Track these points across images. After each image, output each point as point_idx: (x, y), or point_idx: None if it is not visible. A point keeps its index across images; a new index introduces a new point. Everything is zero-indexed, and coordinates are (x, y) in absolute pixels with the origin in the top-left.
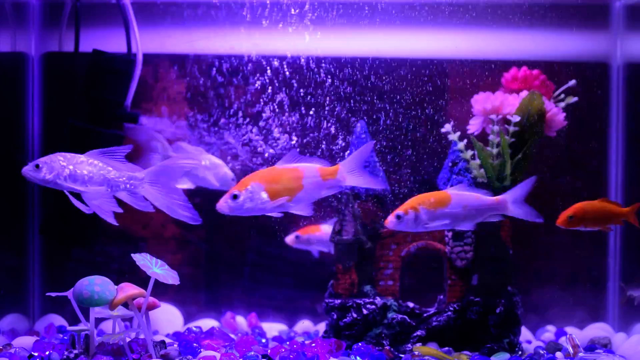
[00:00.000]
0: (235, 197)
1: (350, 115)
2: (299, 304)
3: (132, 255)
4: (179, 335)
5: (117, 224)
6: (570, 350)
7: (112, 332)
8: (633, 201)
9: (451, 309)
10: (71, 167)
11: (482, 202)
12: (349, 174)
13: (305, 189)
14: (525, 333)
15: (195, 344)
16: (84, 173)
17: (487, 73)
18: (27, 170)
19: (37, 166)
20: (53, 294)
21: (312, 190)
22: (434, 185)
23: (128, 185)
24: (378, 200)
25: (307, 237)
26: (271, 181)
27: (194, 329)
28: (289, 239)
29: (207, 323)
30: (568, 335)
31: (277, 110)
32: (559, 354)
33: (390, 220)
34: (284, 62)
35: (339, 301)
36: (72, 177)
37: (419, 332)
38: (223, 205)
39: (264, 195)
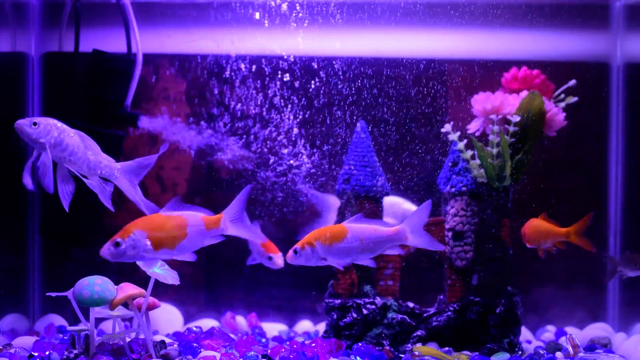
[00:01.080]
0: (117, 244)
1: (350, 115)
2: (299, 304)
3: None
4: (179, 335)
5: (113, 209)
6: (570, 350)
7: (112, 332)
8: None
9: (451, 309)
10: (62, 135)
11: (379, 234)
12: (232, 222)
13: (188, 238)
14: (525, 333)
15: (195, 344)
16: (71, 145)
17: (487, 73)
18: (23, 124)
19: (34, 124)
20: (53, 294)
21: (195, 239)
22: (434, 186)
23: (104, 172)
24: (379, 200)
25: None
26: (155, 229)
27: (194, 329)
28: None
29: (207, 323)
30: (568, 335)
31: (277, 110)
32: (559, 354)
33: (289, 255)
34: (284, 62)
35: (339, 301)
36: (59, 144)
37: (419, 332)
38: (105, 251)
39: (147, 242)
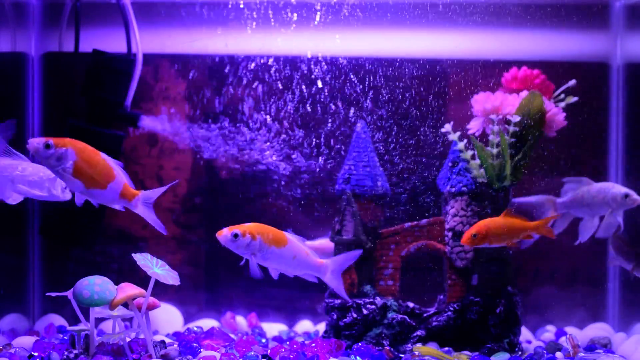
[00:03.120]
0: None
1: (350, 114)
2: (299, 304)
3: (133, 255)
4: (179, 335)
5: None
6: (570, 350)
7: (112, 332)
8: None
9: (451, 309)
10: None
11: (308, 260)
12: (143, 204)
13: (105, 191)
14: (525, 333)
15: (195, 344)
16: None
17: (487, 73)
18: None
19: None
20: (53, 294)
21: (105, 195)
22: (434, 186)
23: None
24: (379, 200)
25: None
26: (86, 157)
27: (194, 329)
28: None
29: (207, 323)
30: (568, 335)
31: (278, 110)
32: (559, 354)
33: (224, 235)
34: (283, 62)
35: (339, 301)
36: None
37: (419, 332)
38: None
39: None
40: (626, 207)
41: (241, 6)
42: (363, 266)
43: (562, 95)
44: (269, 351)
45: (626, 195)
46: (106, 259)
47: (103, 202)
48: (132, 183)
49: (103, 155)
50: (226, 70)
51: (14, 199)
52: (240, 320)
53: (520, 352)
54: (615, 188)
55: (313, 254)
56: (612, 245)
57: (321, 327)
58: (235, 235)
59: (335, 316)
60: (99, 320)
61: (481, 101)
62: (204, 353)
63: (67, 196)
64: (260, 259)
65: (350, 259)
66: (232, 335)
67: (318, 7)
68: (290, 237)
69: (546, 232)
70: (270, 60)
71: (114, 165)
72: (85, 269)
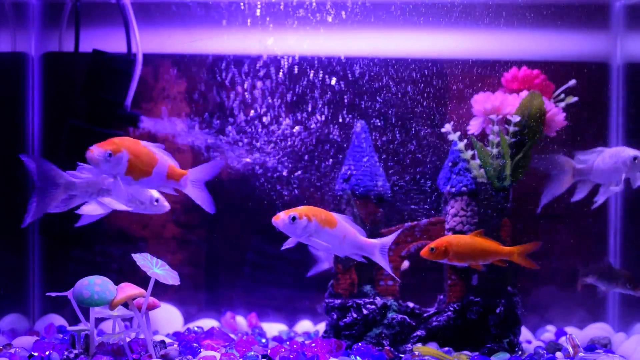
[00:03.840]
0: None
1: (350, 114)
2: (299, 304)
3: (133, 255)
4: (179, 335)
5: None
6: (570, 350)
7: (112, 332)
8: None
9: (451, 309)
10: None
11: (357, 239)
12: (192, 183)
13: (152, 177)
14: (525, 333)
15: (195, 344)
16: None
17: (487, 73)
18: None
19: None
20: (53, 294)
21: (153, 181)
22: (434, 186)
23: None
24: (378, 200)
25: None
26: (134, 151)
27: (194, 329)
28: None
29: (207, 323)
30: (568, 335)
31: (278, 109)
32: (559, 354)
33: (281, 219)
34: (283, 62)
35: (339, 301)
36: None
37: (419, 332)
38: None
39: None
40: (637, 169)
41: (242, 6)
42: (363, 266)
43: (562, 95)
44: (269, 351)
45: (635, 158)
46: (106, 259)
47: (154, 188)
48: (177, 164)
49: (143, 143)
50: (226, 70)
51: (97, 210)
52: (240, 320)
53: (520, 352)
54: (626, 152)
55: (361, 234)
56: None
57: (321, 327)
58: (293, 219)
59: (335, 316)
60: (99, 320)
61: (481, 101)
62: (204, 353)
63: (163, 208)
64: (313, 242)
65: (394, 237)
66: (232, 335)
67: (324, 7)
68: (339, 217)
69: (523, 261)
70: (269, 60)
71: (154, 149)
72: (85, 269)
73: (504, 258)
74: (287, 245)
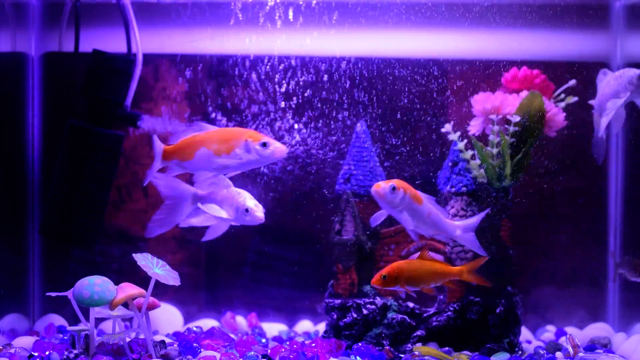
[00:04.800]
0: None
1: (350, 114)
2: (299, 304)
3: (133, 255)
4: (179, 335)
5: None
6: (570, 350)
7: (112, 332)
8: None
9: (451, 309)
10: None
11: (441, 219)
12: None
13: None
14: (525, 333)
15: (195, 344)
16: None
17: (487, 73)
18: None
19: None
20: (53, 294)
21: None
22: (434, 185)
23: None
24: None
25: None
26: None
27: (194, 329)
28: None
29: (207, 323)
30: (568, 335)
31: (278, 109)
32: (559, 354)
33: (382, 187)
34: (283, 62)
35: (339, 301)
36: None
37: (419, 332)
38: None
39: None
40: None
41: (238, 6)
42: (363, 266)
43: (562, 95)
44: (269, 351)
45: None
46: (106, 259)
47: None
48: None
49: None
50: (226, 70)
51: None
52: (240, 320)
53: (520, 352)
54: (631, 71)
55: (444, 214)
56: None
57: (321, 327)
58: (393, 188)
59: (335, 316)
60: (99, 320)
61: (481, 101)
62: (204, 353)
63: (255, 219)
64: (403, 216)
65: (480, 217)
66: (232, 335)
67: (326, 7)
68: (423, 196)
69: (473, 279)
70: (270, 59)
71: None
72: (85, 269)
73: (453, 278)
74: (377, 218)
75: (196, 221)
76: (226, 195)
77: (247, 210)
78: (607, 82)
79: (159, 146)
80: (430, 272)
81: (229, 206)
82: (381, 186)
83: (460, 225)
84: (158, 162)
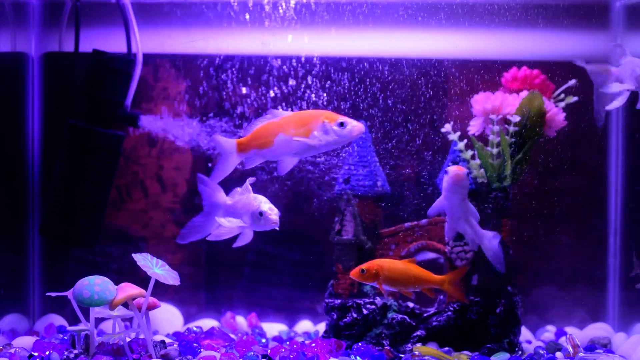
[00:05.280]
0: None
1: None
2: (299, 304)
3: (133, 255)
4: (179, 335)
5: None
6: (570, 350)
7: (112, 332)
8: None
9: (451, 309)
10: None
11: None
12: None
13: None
14: (525, 333)
15: (195, 344)
16: None
17: (487, 73)
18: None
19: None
20: (53, 294)
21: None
22: (434, 185)
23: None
24: (378, 200)
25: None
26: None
27: (194, 329)
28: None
29: (207, 323)
30: (568, 335)
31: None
32: (559, 354)
33: (464, 171)
34: (283, 62)
35: (339, 301)
36: None
37: (419, 332)
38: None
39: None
40: None
41: (236, 6)
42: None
43: (562, 95)
44: (269, 351)
45: None
46: (106, 259)
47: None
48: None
49: None
50: (226, 70)
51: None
52: (240, 320)
53: (520, 352)
54: None
55: (474, 217)
56: None
57: (321, 327)
58: (468, 174)
59: (335, 316)
60: (99, 320)
61: (481, 101)
62: (204, 353)
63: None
64: (465, 205)
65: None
66: (232, 335)
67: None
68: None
69: (452, 291)
70: (272, 59)
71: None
72: (85, 269)
73: (434, 287)
74: (436, 206)
75: (225, 231)
76: (245, 201)
77: (260, 214)
78: (632, 60)
79: (227, 142)
80: (411, 276)
81: (247, 212)
82: (463, 169)
83: (490, 234)
84: (234, 157)
